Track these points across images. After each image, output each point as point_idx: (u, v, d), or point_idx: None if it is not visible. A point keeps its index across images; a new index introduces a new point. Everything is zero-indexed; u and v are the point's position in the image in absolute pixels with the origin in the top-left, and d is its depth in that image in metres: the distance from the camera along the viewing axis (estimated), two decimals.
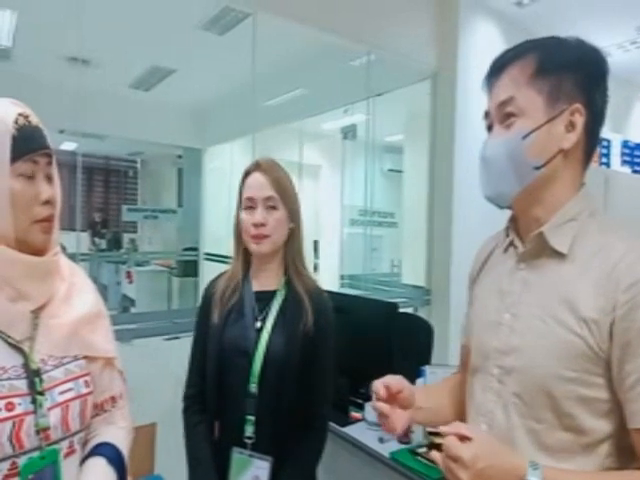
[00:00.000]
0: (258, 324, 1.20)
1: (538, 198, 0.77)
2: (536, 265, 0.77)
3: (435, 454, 0.71)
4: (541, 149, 0.74)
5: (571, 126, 0.74)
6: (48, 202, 0.80)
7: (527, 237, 0.79)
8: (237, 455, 1.16)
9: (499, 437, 0.75)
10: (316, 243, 5.70)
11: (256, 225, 1.19)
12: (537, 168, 0.74)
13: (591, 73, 0.75)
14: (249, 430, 1.16)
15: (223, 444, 1.18)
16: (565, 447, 0.70)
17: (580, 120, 0.74)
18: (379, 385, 0.86)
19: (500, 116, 0.77)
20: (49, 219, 0.81)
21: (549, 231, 0.75)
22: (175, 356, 1.28)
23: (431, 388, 1.01)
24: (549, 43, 0.77)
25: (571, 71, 0.74)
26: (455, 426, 0.71)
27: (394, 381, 0.86)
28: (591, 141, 0.77)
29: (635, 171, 4.08)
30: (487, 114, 0.81)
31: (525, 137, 0.74)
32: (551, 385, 0.70)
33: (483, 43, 3.15)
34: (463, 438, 0.68)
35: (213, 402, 1.19)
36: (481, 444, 0.68)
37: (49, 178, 0.82)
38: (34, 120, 0.80)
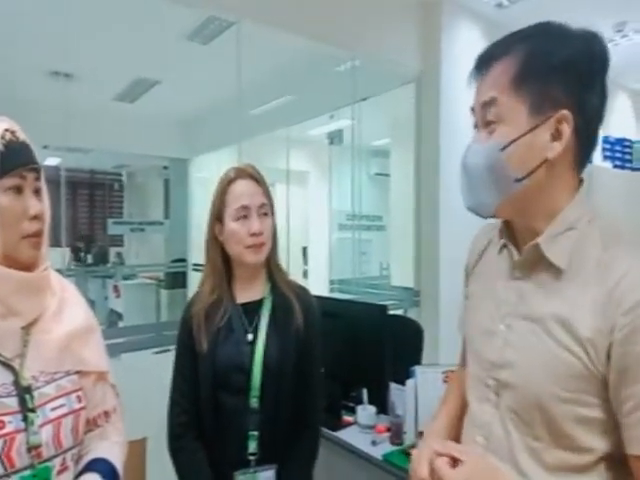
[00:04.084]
0: (250, 337, 1.16)
1: (526, 209, 0.72)
2: (532, 276, 0.73)
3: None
4: (522, 160, 0.69)
5: (557, 134, 0.68)
6: (36, 217, 0.80)
7: (522, 245, 0.74)
8: (241, 477, 1.12)
9: (498, 452, 0.73)
10: (305, 249, 5.70)
11: (256, 234, 1.15)
12: (518, 180, 0.69)
13: (583, 73, 0.68)
14: (252, 446, 1.12)
15: (221, 467, 1.14)
16: (565, 466, 0.67)
17: (567, 129, 0.67)
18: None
19: (483, 119, 0.73)
20: (38, 234, 0.81)
21: (545, 243, 0.70)
22: (165, 369, 1.26)
23: (450, 414, 0.90)
24: (536, 36, 0.71)
25: (559, 74, 0.67)
26: (447, 447, 0.68)
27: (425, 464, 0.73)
28: (585, 145, 0.71)
29: (616, 166, 4.16)
30: (473, 110, 0.76)
31: (504, 149, 0.69)
32: (547, 404, 0.67)
33: (466, 45, 3.20)
34: (454, 459, 0.66)
35: (211, 426, 1.14)
36: (471, 469, 0.65)
37: (37, 193, 0.82)
38: (21, 136, 0.80)
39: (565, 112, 0.67)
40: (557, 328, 0.67)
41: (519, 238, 0.76)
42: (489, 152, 0.71)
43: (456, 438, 0.85)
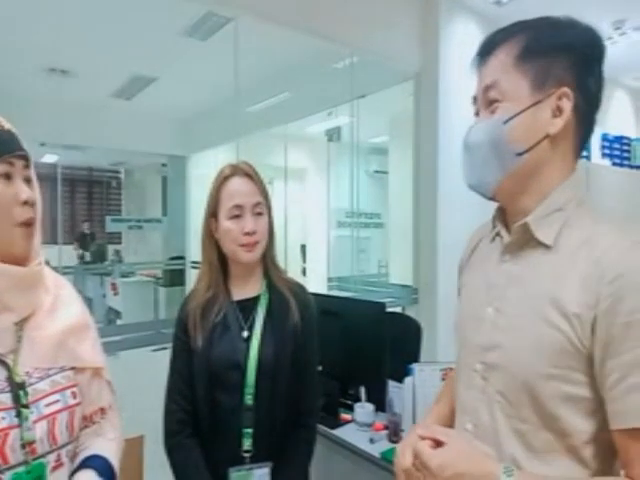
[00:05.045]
0: (245, 333, 1.16)
1: (524, 186, 0.73)
2: (521, 257, 0.74)
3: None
4: (524, 134, 0.70)
5: (558, 111, 0.70)
6: (27, 203, 0.79)
7: (512, 227, 0.75)
8: (236, 474, 1.12)
9: (485, 437, 0.73)
10: (304, 247, 5.70)
11: (249, 233, 1.14)
12: (520, 154, 0.71)
13: (583, 56, 0.71)
14: (247, 443, 1.12)
15: (217, 464, 1.14)
16: (551, 448, 0.67)
17: (568, 105, 0.69)
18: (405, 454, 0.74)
19: (485, 102, 0.74)
20: (30, 222, 0.80)
21: (534, 222, 0.71)
22: (163, 367, 1.25)
23: (441, 412, 0.92)
24: (539, 24, 0.73)
25: (561, 53, 0.70)
26: (431, 430, 0.69)
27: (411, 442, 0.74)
28: (584, 127, 0.73)
29: (614, 163, 4.16)
30: (475, 99, 0.77)
31: (506, 122, 0.70)
32: (534, 383, 0.67)
33: (464, 42, 3.20)
34: (438, 442, 0.66)
35: (206, 423, 1.14)
36: (452, 451, 0.66)
37: (28, 182, 0.81)
38: (6, 125, 0.80)
39: (566, 89, 0.69)
40: (546, 305, 0.67)
41: (510, 222, 0.77)
42: (492, 127, 0.72)
43: None
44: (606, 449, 0.66)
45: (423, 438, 0.69)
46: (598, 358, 0.63)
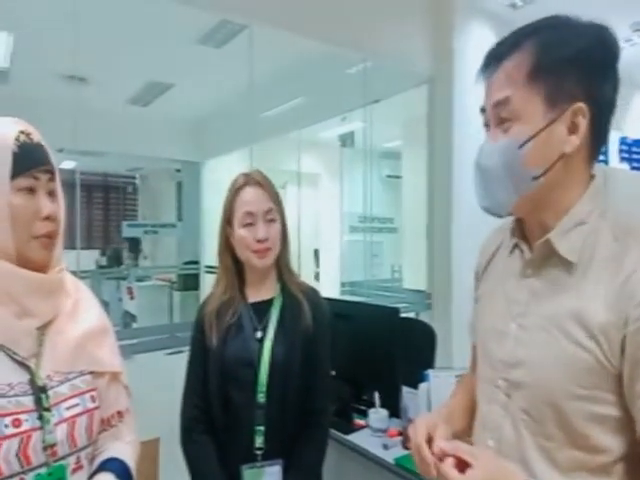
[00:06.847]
0: (258, 334, 1.20)
1: (541, 205, 0.71)
2: (544, 273, 0.72)
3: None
4: (540, 157, 0.68)
5: (573, 127, 0.67)
6: (49, 218, 0.80)
7: (533, 242, 0.73)
8: (248, 471, 1.15)
9: (509, 454, 0.71)
10: (316, 252, 5.70)
11: (261, 240, 1.19)
12: (535, 178, 0.68)
13: (597, 64, 0.67)
14: (259, 441, 1.15)
15: (230, 460, 1.17)
16: (579, 466, 0.66)
17: (583, 122, 0.67)
18: (420, 437, 0.76)
19: (496, 118, 0.71)
20: (50, 235, 0.81)
21: (556, 238, 0.69)
22: (177, 370, 1.28)
23: (453, 410, 0.91)
24: (546, 32, 0.69)
25: (573, 66, 0.66)
26: (455, 448, 0.67)
27: (423, 428, 0.77)
28: (599, 134, 0.70)
29: (634, 168, 4.09)
30: (483, 110, 0.74)
31: (522, 146, 0.68)
32: (560, 402, 0.66)
33: (478, 46, 3.16)
34: (463, 462, 0.65)
35: (220, 420, 1.18)
36: (482, 474, 0.63)
37: (52, 195, 0.82)
38: (36, 137, 0.82)
39: (581, 104, 0.67)
40: (570, 323, 0.66)
41: (530, 236, 0.76)
42: (506, 150, 0.69)
43: (464, 427, 0.85)
44: (636, 467, 0.65)
45: (446, 455, 0.67)
46: (627, 378, 0.63)
